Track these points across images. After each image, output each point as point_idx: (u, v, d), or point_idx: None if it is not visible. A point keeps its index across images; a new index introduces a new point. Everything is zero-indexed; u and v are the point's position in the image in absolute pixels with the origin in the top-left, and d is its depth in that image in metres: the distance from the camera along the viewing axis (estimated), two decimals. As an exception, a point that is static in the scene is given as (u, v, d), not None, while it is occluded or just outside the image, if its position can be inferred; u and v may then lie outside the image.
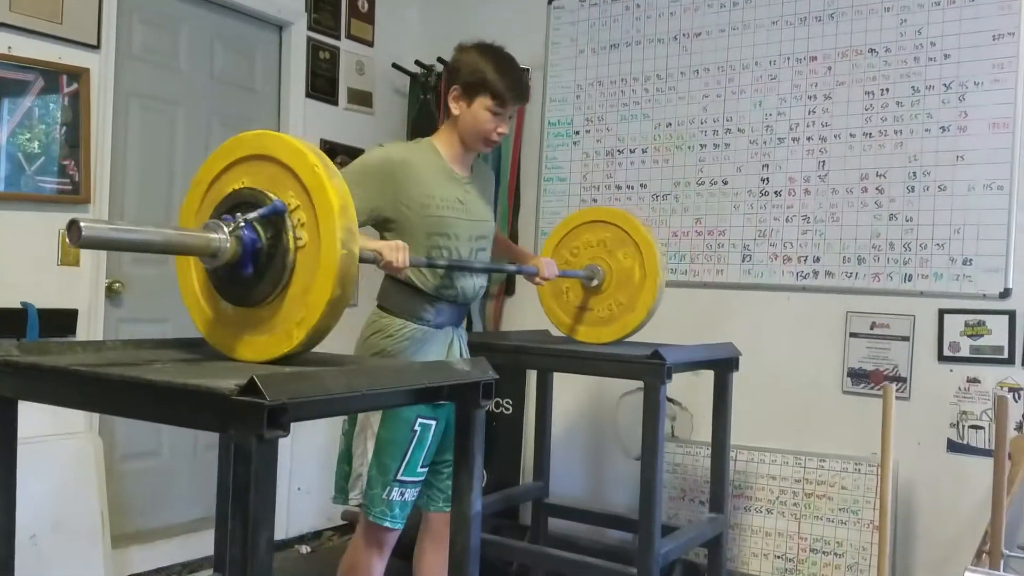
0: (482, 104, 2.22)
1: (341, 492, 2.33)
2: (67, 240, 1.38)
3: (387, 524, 2.22)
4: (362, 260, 1.92)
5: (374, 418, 2.25)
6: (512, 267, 2.59)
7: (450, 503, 2.30)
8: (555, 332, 3.00)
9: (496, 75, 2.21)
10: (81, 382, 1.47)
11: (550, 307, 2.92)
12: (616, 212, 2.90)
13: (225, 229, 1.56)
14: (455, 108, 2.27)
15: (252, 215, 1.58)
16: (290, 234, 1.57)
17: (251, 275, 1.60)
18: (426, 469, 2.27)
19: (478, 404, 1.75)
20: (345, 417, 2.34)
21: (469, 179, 2.37)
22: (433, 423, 2.25)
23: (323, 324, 1.57)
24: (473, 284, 2.35)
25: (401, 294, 2.28)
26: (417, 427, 2.22)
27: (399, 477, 2.21)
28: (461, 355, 2.38)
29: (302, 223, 1.57)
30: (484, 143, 2.30)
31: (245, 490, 1.28)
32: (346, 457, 2.32)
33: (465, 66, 2.24)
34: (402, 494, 2.22)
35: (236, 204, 1.62)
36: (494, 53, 2.26)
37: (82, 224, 1.35)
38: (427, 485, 2.36)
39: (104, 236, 1.44)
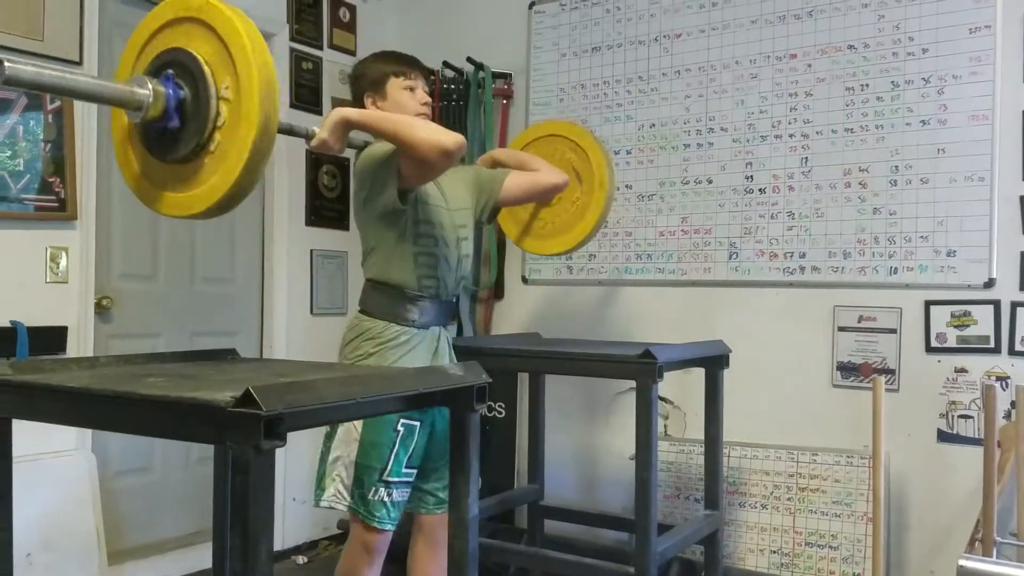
0: (393, 87, 2.35)
1: (319, 489, 2.30)
2: None
3: (375, 525, 2.21)
4: (294, 134, 2.06)
5: (356, 421, 2.26)
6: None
7: (442, 505, 2.33)
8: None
9: (384, 59, 2.39)
10: (76, 399, 1.47)
11: (502, 215, 2.99)
12: (574, 128, 3.02)
13: (150, 85, 1.67)
14: (379, 111, 2.35)
15: (176, 80, 1.69)
16: (212, 90, 1.66)
17: (176, 129, 1.70)
18: (413, 471, 2.27)
19: (472, 408, 1.76)
20: None
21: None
22: (417, 424, 2.25)
23: (239, 186, 1.66)
24: (454, 276, 2.37)
25: (382, 295, 2.29)
26: (400, 427, 2.22)
27: (384, 477, 2.21)
28: (449, 356, 2.39)
29: (225, 95, 1.66)
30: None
31: (244, 502, 1.29)
32: (324, 457, 2.30)
33: (362, 76, 2.39)
34: (389, 495, 2.21)
35: (166, 63, 1.71)
36: (373, 53, 2.45)
37: (6, 63, 1.44)
38: (417, 488, 2.35)
39: (27, 77, 1.52)
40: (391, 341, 2.26)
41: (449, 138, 2.04)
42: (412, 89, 2.36)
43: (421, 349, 2.30)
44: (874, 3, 3.18)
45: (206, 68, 1.67)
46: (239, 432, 1.28)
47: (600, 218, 2.90)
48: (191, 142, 1.69)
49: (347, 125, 2.09)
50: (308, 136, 2.08)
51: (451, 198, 2.40)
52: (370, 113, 2.17)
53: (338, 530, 3.95)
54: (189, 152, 1.70)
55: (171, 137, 1.72)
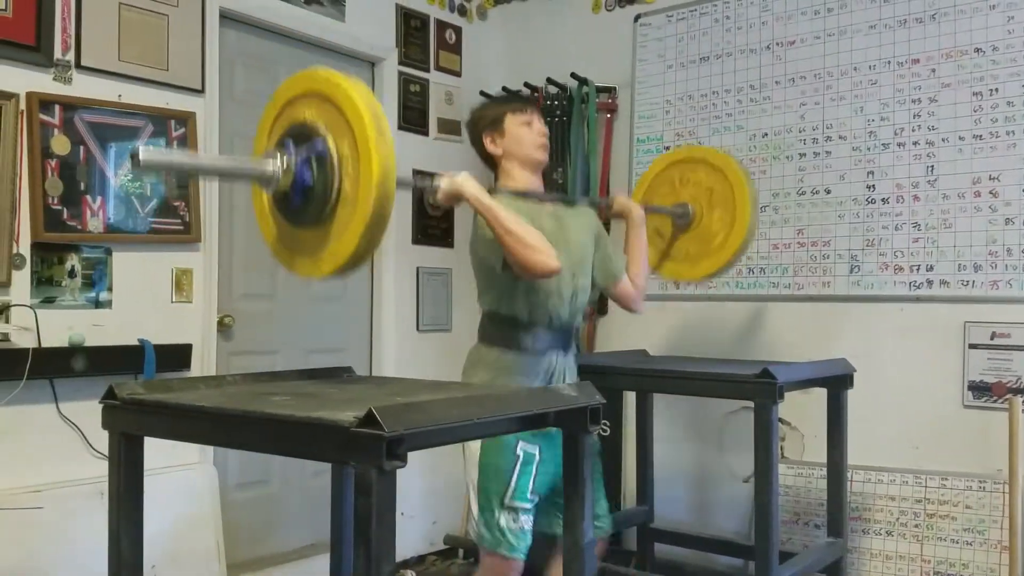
0: (511, 123, 2.40)
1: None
2: (130, 166, 1.61)
3: (503, 552, 2.18)
4: (418, 191, 2.15)
5: (474, 447, 2.25)
6: (600, 199, 2.65)
7: None
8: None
9: (499, 100, 2.54)
10: (205, 418, 1.52)
11: None
12: (711, 152, 3.02)
13: (279, 160, 1.74)
14: (498, 148, 2.41)
15: (304, 156, 1.74)
16: (336, 182, 1.71)
17: (299, 205, 1.76)
18: (537, 497, 2.24)
19: (586, 429, 1.74)
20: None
21: (555, 212, 2.43)
22: (536, 451, 2.23)
23: (357, 255, 1.73)
24: (568, 308, 2.36)
25: (496, 325, 2.33)
26: (519, 452, 2.21)
27: (508, 503, 2.19)
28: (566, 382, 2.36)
29: (348, 171, 1.71)
30: (539, 150, 2.41)
31: (367, 522, 1.29)
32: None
33: (480, 118, 2.45)
34: (515, 520, 2.18)
35: (299, 134, 1.77)
36: (489, 97, 2.58)
37: (140, 149, 1.55)
38: (556, 507, 2.30)
39: (161, 161, 1.66)
40: (504, 368, 2.27)
41: (552, 263, 2.13)
42: (529, 124, 2.40)
43: (534, 376, 2.29)
44: (1003, 4, 3.01)
45: (331, 145, 1.72)
46: (362, 452, 1.29)
47: (744, 243, 2.83)
48: (316, 212, 1.74)
49: (460, 199, 2.14)
50: (433, 191, 2.14)
51: (573, 231, 2.39)
52: (487, 203, 2.13)
53: (444, 545, 3.97)
54: (314, 221, 1.76)
55: (299, 207, 1.78)
